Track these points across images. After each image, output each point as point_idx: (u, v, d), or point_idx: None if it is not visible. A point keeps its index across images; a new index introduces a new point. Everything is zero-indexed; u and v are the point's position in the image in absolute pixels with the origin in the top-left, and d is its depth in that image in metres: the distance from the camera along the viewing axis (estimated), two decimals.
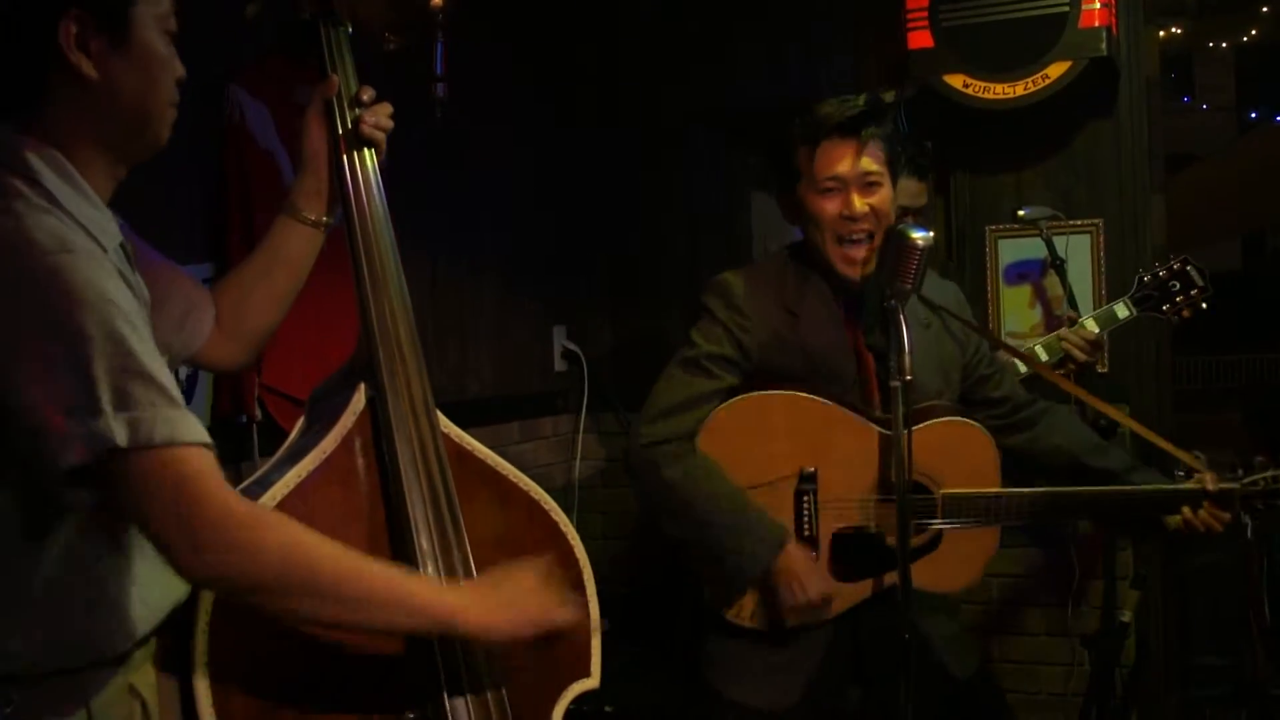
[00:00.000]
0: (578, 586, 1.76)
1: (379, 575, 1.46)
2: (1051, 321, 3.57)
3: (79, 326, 1.28)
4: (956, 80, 3.54)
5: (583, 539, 1.83)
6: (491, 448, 1.77)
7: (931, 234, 2.18)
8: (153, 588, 1.44)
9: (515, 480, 1.77)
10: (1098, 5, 3.39)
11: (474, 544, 1.64)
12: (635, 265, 4.19)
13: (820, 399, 2.33)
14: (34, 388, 1.28)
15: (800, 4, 3.95)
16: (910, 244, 2.14)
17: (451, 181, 3.59)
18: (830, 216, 2.32)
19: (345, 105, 1.73)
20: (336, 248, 1.78)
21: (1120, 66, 3.56)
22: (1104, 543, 3.16)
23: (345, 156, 1.71)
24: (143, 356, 1.31)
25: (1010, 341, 3.39)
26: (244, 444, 2.75)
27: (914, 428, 2.17)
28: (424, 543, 1.60)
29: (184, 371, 2.02)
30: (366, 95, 1.74)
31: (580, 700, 1.78)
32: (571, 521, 1.82)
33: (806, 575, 2.28)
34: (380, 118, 1.73)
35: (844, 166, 2.31)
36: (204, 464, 1.34)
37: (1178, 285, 3.06)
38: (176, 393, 1.35)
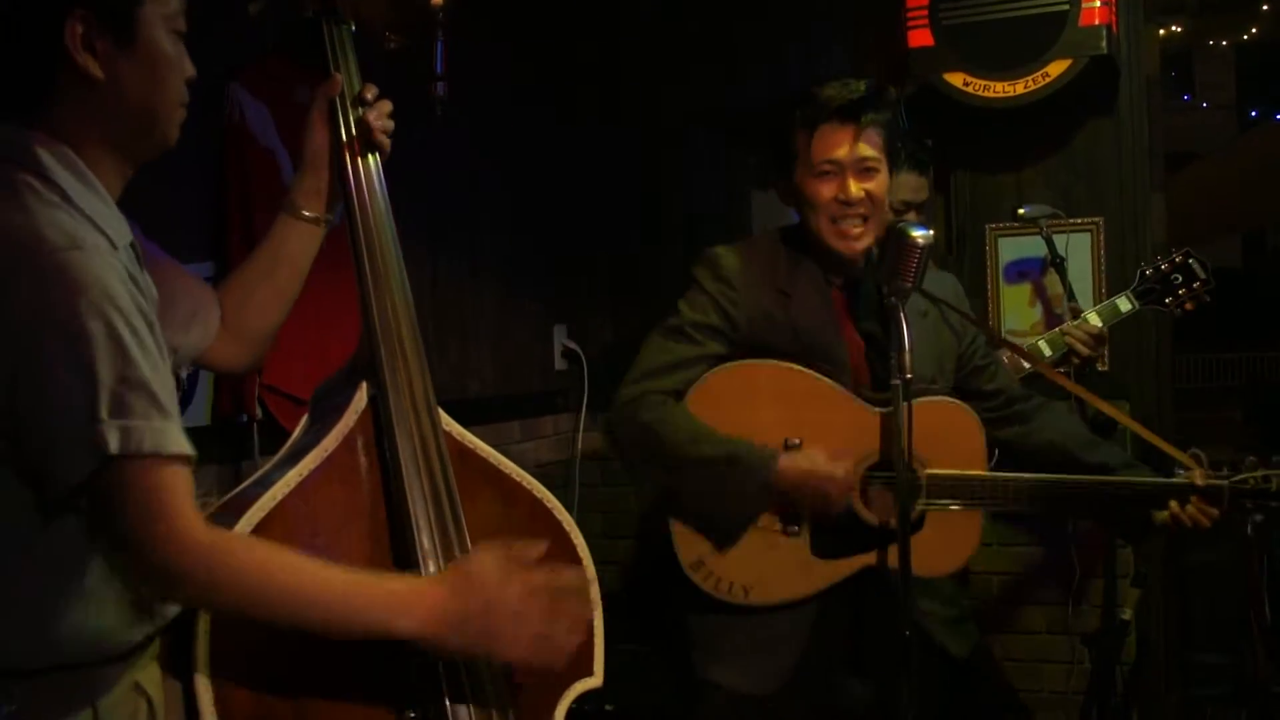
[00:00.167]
0: (581, 584, 1.76)
1: (337, 601, 1.42)
2: (1052, 320, 3.57)
3: (82, 327, 1.28)
4: (957, 79, 3.55)
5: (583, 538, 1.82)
6: (492, 446, 1.76)
7: (932, 232, 2.17)
8: None
9: (518, 478, 1.76)
10: (1098, 3, 3.39)
11: (476, 542, 1.62)
12: (635, 265, 4.19)
13: (812, 373, 2.32)
14: (35, 388, 1.28)
15: (800, 4, 3.96)
16: (911, 242, 2.14)
17: (451, 181, 3.59)
18: (825, 200, 2.31)
19: (349, 104, 1.73)
20: (337, 246, 1.77)
21: (1120, 65, 3.56)
22: (1104, 541, 3.16)
23: (349, 155, 1.71)
24: (141, 363, 1.31)
25: (1011, 340, 3.39)
26: (245, 443, 2.74)
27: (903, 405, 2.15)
28: (425, 541, 1.59)
29: (185, 370, 2.02)
30: (370, 94, 1.74)
31: (581, 699, 1.77)
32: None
33: (817, 460, 2.23)
34: (382, 117, 1.73)
35: (841, 151, 2.30)
36: (179, 481, 1.34)
37: (1180, 278, 3.05)
38: (169, 400, 1.35)
